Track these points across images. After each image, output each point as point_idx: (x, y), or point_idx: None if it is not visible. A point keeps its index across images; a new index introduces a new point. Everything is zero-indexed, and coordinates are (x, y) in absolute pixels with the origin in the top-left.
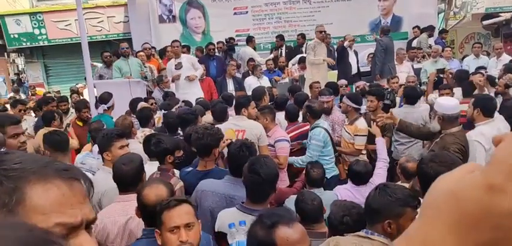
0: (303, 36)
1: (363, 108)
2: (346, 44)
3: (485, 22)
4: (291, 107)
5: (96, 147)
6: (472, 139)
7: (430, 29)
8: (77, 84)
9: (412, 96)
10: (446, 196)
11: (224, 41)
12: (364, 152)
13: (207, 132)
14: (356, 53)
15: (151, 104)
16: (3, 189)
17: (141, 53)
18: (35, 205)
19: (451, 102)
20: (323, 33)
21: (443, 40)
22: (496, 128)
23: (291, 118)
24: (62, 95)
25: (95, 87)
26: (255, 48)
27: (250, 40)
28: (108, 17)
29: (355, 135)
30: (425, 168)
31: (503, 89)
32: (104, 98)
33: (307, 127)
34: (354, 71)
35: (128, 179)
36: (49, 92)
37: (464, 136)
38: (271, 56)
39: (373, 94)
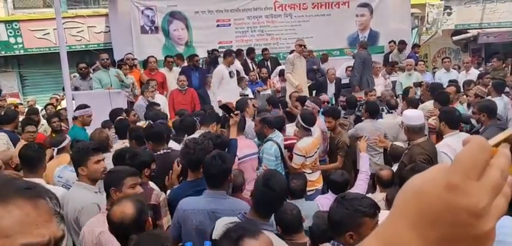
0: (267, 50)
1: (312, 129)
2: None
3: (454, 38)
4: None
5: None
6: (439, 151)
7: (401, 44)
8: (56, 95)
9: (374, 110)
10: (412, 194)
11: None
12: (309, 171)
13: (198, 147)
14: (338, 83)
15: (134, 115)
16: None
17: (125, 66)
18: None
19: (414, 113)
20: (303, 47)
21: (416, 54)
22: (461, 140)
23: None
24: (34, 106)
25: (73, 99)
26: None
27: (239, 54)
28: (88, 26)
29: (294, 153)
30: (406, 176)
31: (474, 99)
32: (78, 108)
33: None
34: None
35: None
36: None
37: (432, 146)
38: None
39: (329, 115)
